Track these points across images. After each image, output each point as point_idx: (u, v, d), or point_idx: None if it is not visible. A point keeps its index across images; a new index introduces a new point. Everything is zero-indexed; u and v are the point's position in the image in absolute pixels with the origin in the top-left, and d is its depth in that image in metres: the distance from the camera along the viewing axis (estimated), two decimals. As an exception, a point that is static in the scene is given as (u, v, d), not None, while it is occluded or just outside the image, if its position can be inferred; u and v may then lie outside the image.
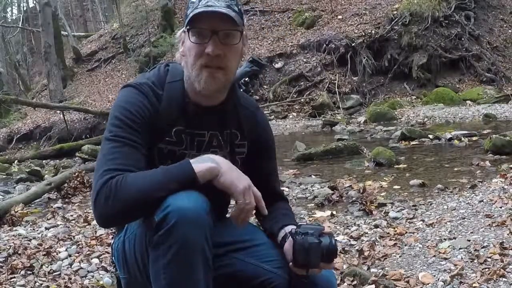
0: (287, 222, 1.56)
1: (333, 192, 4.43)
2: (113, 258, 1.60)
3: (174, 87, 1.52)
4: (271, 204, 1.65)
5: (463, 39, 13.44)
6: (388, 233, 3.31)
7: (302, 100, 12.98)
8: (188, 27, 1.45)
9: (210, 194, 1.34)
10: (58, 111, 13.61)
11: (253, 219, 2.04)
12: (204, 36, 1.44)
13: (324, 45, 13.74)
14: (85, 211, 4.45)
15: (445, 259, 2.70)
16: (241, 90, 1.72)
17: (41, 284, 2.72)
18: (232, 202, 1.48)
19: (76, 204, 5.14)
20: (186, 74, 1.52)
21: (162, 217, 1.28)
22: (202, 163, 1.36)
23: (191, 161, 1.37)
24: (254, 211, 1.74)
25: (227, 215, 1.71)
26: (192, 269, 1.29)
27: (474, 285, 2.35)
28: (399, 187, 4.68)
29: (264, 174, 1.67)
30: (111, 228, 3.40)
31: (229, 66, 1.48)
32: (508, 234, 2.85)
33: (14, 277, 2.78)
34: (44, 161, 10.38)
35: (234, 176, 1.39)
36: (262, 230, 1.65)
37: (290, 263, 1.47)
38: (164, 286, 1.32)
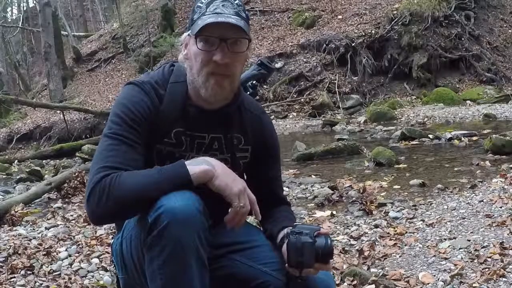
0: (287, 224, 1.55)
1: (333, 192, 4.43)
2: (113, 258, 1.60)
3: (177, 88, 1.51)
4: (273, 207, 1.64)
5: (463, 39, 13.45)
6: (388, 233, 3.31)
7: (302, 100, 12.98)
8: (195, 34, 1.43)
9: (209, 196, 1.34)
10: (58, 111, 13.62)
11: (253, 220, 2.04)
12: (212, 44, 1.42)
13: (324, 45, 13.75)
14: (85, 211, 4.44)
15: (445, 259, 2.70)
16: (248, 93, 1.70)
17: (41, 284, 2.72)
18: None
19: (76, 204, 5.13)
20: (189, 77, 1.51)
21: (154, 218, 1.28)
22: (197, 166, 1.36)
23: (186, 162, 1.36)
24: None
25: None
26: (186, 269, 1.29)
27: (474, 285, 2.35)
28: (399, 187, 4.68)
29: (268, 179, 1.66)
30: (111, 228, 3.41)
31: (235, 74, 1.48)
32: (508, 234, 2.85)
33: (14, 277, 2.77)
34: (44, 161, 10.38)
35: (229, 179, 1.38)
36: (262, 231, 1.64)
37: (286, 264, 1.47)
38: (159, 287, 1.32)
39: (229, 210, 1.42)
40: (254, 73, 2.50)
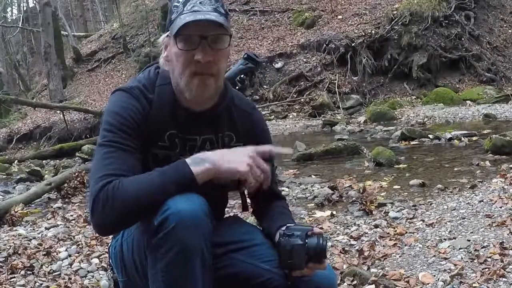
0: (284, 222, 1.55)
1: (333, 192, 4.43)
2: (111, 260, 1.59)
3: (164, 91, 1.49)
4: (268, 203, 1.64)
5: (463, 39, 13.45)
6: (388, 233, 3.31)
7: (302, 100, 12.98)
8: (174, 34, 1.41)
9: (208, 195, 1.34)
10: (58, 111, 13.61)
11: (252, 219, 2.04)
12: (192, 42, 1.40)
13: (324, 45, 13.75)
14: (85, 211, 4.45)
15: (445, 259, 2.70)
16: (237, 88, 1.68)
17: (41, 284, 2.72)
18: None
19: (76, 204, 5.13)
20: (173, 80, 1.49)
21: (161, 220, 1.27)
22: (199, 166, 1.34)
23: (188, 162, 1.35)
24: (252, 213, 1.74)
25: (225, 216, 1.71)
26: (190, 271, 1.29)
27: (474, 285, 2.35)
28: (399, 187, 4.68)
29: None
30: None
31: (219, 72, 1.46)
32: (508, 234, 2.85)
33: (14, 277, 2.78)
34: (44, 161, 10.37)
35: (233, 164, 1.36)
36: (260, 229, 1.64)
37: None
38: None
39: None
40: (242, 68, 2.48)
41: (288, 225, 1.51)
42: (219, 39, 1.42)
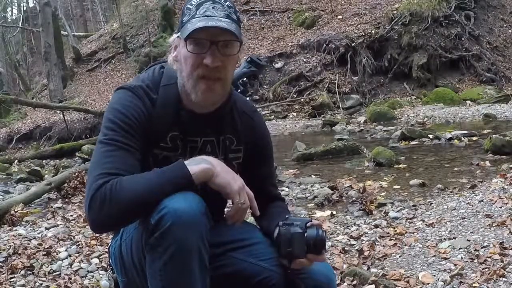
0: (281, 219, 1.55)
1: (333, 192, 4.43)
2: (110, 261, 1.59)
3: (169, 91, 1.50)
4: (268, 204, 1.65)
5: (463, 39, 13.46)
6: (388, 233, 3.31)
7: (302, 100, 12.99)
8: (185, 37, 1.41)
9: (207, 195, 1.34)
10: (58, 111, 13.61)
11: (251, 218, 2.04)
12: (202, 46, 1.40)
13: (324, 45, 13.75)
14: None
15: (445, 259, 2.70)
16: (239, 90, 1.69)
17: (41, 284, 2.72)
18: (230, 202, 1.48)
19: (76, 204, 5.13)
20: (180, 81, 1.49)
21: (157, 219, 1.27)
22: (196, 165, 1.35)
23: (186, 162, 1.36)
24: (251, 214, 1.74)
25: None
26: (188, 270, 1.29)
27: (474, 285, 2.35)
28: (399, 187, 4.68)
29: (262, 178, 1.66)
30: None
31: (227, 77, 1.46)
32: (508, 234, 2.85)
33: (14, 277, 2.78)
34: (44, 161, 10.37)
35: (228, 177, 1.38)
36: (259, 228, 1.65)
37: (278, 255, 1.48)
38: None
39: (229, 206, 1.42)
40: (245, 71, 2.48)
41: (287, 216, 1.53)
42: (229, 45, 1.42)
